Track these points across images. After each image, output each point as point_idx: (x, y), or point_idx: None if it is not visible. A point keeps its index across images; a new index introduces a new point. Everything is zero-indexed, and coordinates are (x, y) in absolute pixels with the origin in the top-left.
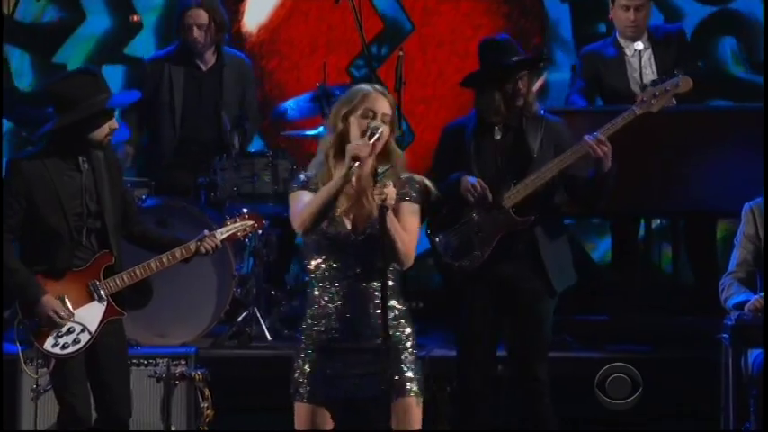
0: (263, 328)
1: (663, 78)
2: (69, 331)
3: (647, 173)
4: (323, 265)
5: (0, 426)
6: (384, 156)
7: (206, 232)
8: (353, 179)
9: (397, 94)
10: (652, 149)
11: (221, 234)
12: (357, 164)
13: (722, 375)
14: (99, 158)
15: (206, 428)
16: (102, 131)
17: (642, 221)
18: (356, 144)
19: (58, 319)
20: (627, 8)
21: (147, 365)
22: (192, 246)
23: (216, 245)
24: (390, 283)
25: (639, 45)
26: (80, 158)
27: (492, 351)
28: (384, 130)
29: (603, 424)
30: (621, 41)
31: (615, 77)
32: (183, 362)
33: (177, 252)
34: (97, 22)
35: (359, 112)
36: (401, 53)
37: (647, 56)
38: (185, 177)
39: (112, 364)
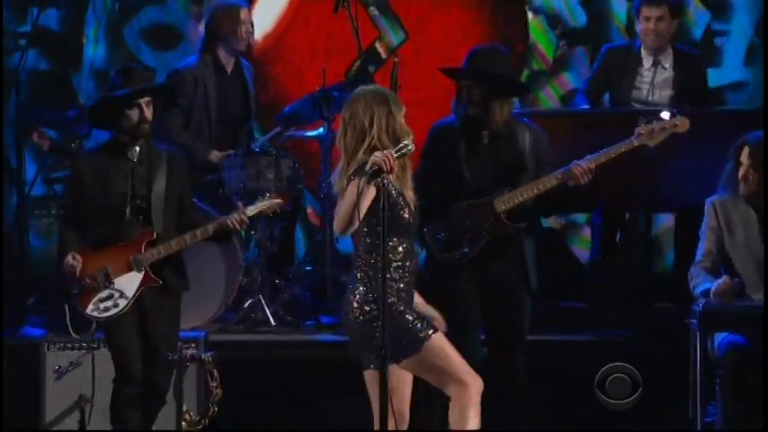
0: (267, 315)
1: (663, 115)
2: (109, 297)
3: (632, 173)
4: (400, 248)
5: (0, 426)
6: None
7: (239, 210)
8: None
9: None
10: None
11: (250, 211)
12: (379, 173)
13: (690, 358)
14: (159, 157)
15: (215, 407)
16: (129, 119)
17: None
18: (383, 156)
19: (72, 268)
20: (648, 19)
21: None
22: (223, 219)
23: (242, 220)
24: None
25: (662, 59)
26: (129, 149)
27: (478, 340)
28: (412, 148)
29: (573, 402)
30: (643, 53)
31: (624, 84)
32: (193, 345)
33: (210, 227)
34: None
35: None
36: (396, 59)
37: (666, 78)
38: (194, 175)
39: (162, 339)
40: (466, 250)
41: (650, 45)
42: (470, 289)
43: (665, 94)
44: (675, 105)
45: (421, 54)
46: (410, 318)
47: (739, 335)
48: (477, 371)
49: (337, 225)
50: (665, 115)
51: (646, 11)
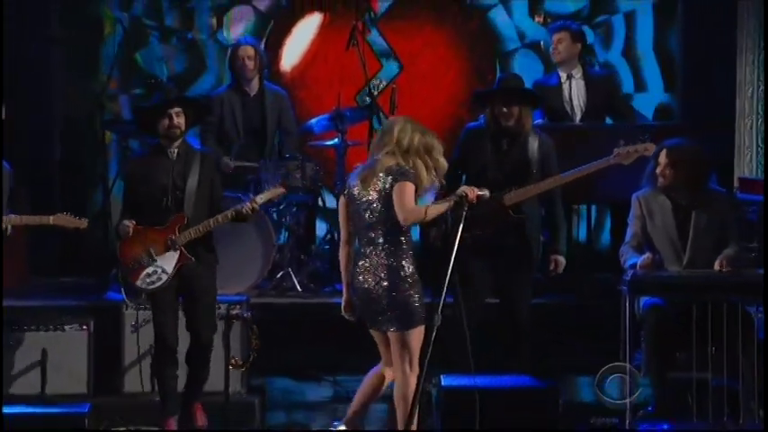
0: (295, 283)
1: (637, 140)
2: (154, 272)
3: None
4: (410, 241)
5: (1, 426)
6: None
7: (250, 199)
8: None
9: (392, 115)
10: (588, 157)
11: (260, 199)
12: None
13: (621, 316)
14: (194, 156)
15: (254, 353)
16: (162, 125)
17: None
18: (472, 191)
19: (126, 228)
20: (554, 41)
21: None
22: (239, 208)
23: (253, 207)
24: None
25: (574, 73)
26: (168, 150)
27: (484, 301)
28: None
29: (534, 349)
30: (559, 72)
31: (555, 100)
32: (238, 306)
33: (228, 213)
34: None
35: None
36: (395, 87)
37: (580, 86)
38: (238, 175)
39: (203, 302)
40: (479, 233)
41: (557, 60)
42: (484, 263)
43: (581, 100)
44: (594, 123)
45: (413, 82)
46: (415, 301)
47: (659, 298)
48: (483, 321)
49: (409, 219)
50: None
51: (553, 36)
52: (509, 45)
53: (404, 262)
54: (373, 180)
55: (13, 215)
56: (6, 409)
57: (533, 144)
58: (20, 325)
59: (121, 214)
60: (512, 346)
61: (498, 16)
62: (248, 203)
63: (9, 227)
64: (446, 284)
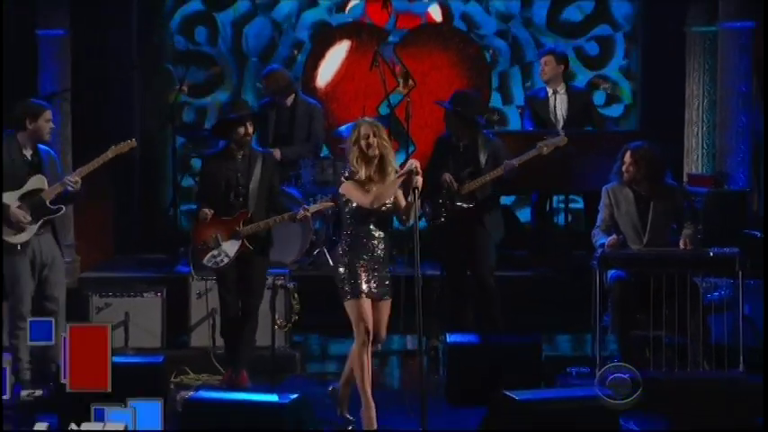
0: (328, 259)
1: (552, 134)
2: (219, 254)
3: (556, 170)
4: (372, 226)
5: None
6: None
7: (303, 207)
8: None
9: (407, 123)
10: (562, 157)
11: (312, 209)
12: (415, 173)
13: (592, 286)
14: (256, 157)
15: (295, 316)
16: (238, 133)
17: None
18: (417, 162)
19: (205, 215)
20: (541, 63)
21: None
22: (294, 213)
23: (306, 216)
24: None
25: (559, 89)
26: (237, 153)
27: (464, 274)
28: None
29: (519, 313)
30: (547, 88)
31: (543, 111)
32: (282, 278)
33: (285, 216)
34: None
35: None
36: (409, 100)
37: (562, 100)
38: (283, 171)
39: (256, 279)
40: (442, 219)
41: (543, 79)
42: (458, 242)
43: (563, 111)
44: (574, 129)
45: (424, 96)
46: (338, 279)
47: (623, 271)
48: (465, 287)
49: (374, 204)
50: (559, 134)
51: (540, 59)
52: (528, 55)
53: (339, 249)
54: None
55: (79, 168)
56: None
57: (483, 146)
58: (108, 292)
59: (199, 202)
60: (484, 310)
61: (518, 30)
62: (302, 211)
63: (79, 180)
64: (417, 247)
